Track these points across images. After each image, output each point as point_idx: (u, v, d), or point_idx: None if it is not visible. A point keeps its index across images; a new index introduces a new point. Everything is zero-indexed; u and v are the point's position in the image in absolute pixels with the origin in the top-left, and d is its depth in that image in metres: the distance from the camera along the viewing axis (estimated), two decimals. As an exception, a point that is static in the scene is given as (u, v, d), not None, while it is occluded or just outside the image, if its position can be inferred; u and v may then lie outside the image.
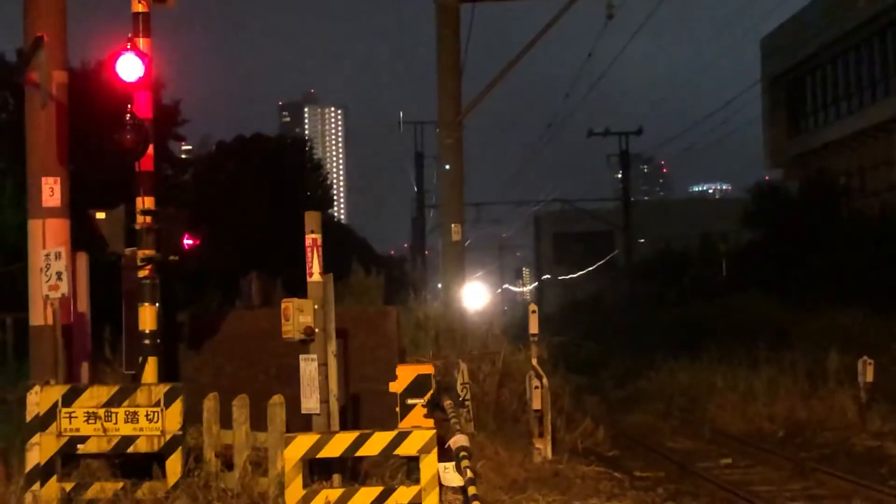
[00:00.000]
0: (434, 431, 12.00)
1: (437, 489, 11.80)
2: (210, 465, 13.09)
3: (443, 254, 29.88)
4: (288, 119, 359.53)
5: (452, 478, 12.99)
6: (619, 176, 71.10)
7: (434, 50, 28.99)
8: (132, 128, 13.77)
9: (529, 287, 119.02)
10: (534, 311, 18.32)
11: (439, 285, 37.81)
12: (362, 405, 15.49)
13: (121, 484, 12.71)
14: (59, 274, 14.15)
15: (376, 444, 11.75)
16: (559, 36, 31.66)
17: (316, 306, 12.88)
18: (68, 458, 13.04)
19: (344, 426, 13.62)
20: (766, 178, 63.12)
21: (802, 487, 17.11)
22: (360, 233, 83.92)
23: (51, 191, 15.22)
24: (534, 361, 18.17)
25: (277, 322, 13.06)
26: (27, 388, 12.97)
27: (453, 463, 12.95)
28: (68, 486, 12.63)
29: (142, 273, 13.98)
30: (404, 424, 15.12)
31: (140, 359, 13.96)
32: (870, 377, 22.62)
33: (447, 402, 16.59)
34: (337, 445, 11.72)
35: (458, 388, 18.24)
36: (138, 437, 12.61)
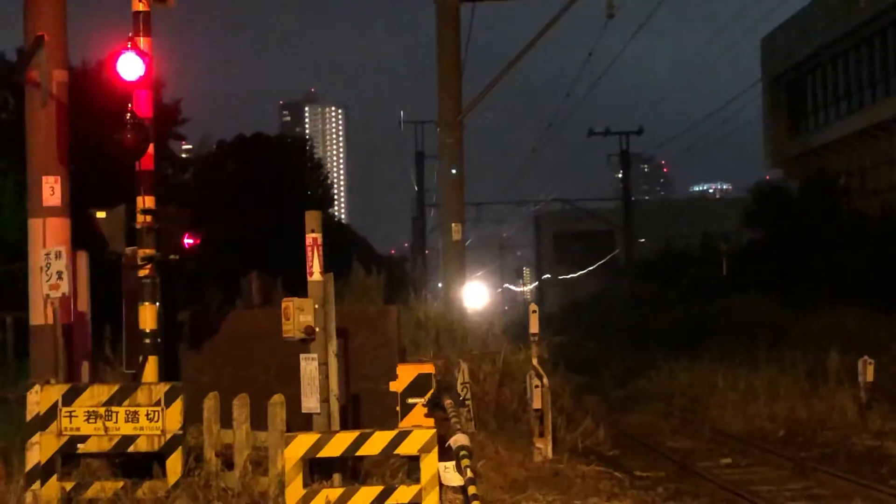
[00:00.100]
0: (434, 431, 11.99)
1: (438, 488, 11.80)
2: (210, 465, 13.09)
3: (443, 253, 29.90)
4: (288, 118, 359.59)
5: (453, 477, 12.99)
6: (620, 175, 71.14)
7: (434, 50, 29.00)
8: (132, 127, 13.77)
9: (530, 287, 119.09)
10: (534, 311, 18.31)
11: (440, 285, 37.86)
12: (363, 404, 15.50)
13: (121, 483, 12.71)
14: (59, 273, 14.15)
15: (377, 443, 11.74)
16: (560, 35, 31.71)
17: (316, 305, 12.88)
18: (68, 458, 13.04)
19: (344, 425, 13.62)
20: (767, 177, 63.17)
21: (803, 487, 17.11)
22: (360, 232, 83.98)
23: (51, 190, 15.21)
24: (534, 361, 18.17)
25: (278, 321, 13.06)
26: (27, 387, 12.96)
27: (454, 462, 12.96)
28: (68, 486, 12.63)
29: (142, 272, 13.97)
30: (405, 424, 15.14)
31: (140, 358, 13.95)
32: (870, 377, 22.62)
33: (447, 402, 16.59)
34: (337, 445, 11.71)
35: (459, 387, 18.25)
36: (139, 436, 12.60)
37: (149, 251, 13.95)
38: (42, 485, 12.47)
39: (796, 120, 60.37)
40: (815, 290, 38.51)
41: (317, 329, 12.89)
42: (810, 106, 58.80)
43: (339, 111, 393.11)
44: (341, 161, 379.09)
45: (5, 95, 34.35)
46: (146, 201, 14.08)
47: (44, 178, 15.25)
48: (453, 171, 28.74)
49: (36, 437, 12.56)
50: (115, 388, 12.83)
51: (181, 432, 12.66)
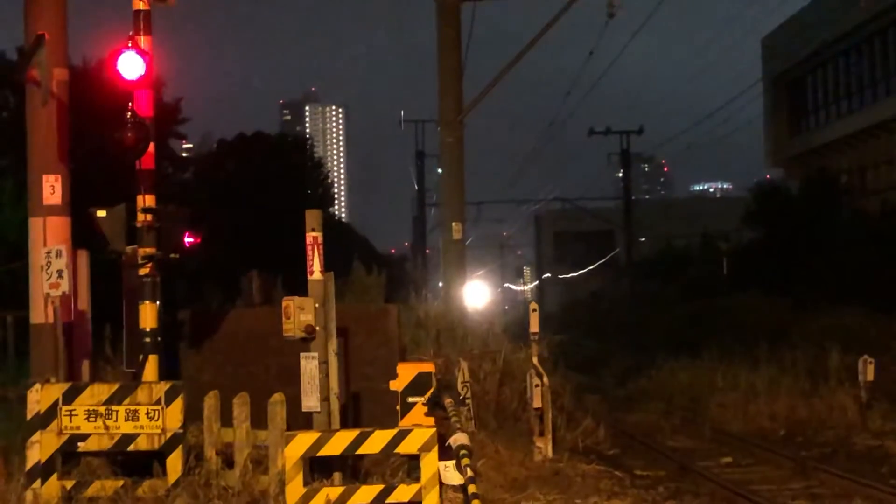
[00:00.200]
0: (434, 430, 11.99)
1: (438, 487, 11.81)
2: (211, 464, 13.10)
3: (443, 252, 29.88)
4: (289, 117, 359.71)
5: (453, 476, 13.00)
6: (620, 175, 71.10)
7: (435, 49, 28.99)
8: (133, 126, 13.77)
9: (530, 286, 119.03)
10: (534, 310, 18.31)
11: (440, 284, 37.84)
12: (363, 403, 15.50)
13: (121, 482, 12.71)
14: (59, 272, 14.15)
15: (377, 442, 11.75)
16: (560, 35, 31.65)
17: (317, 304, 12.87)
18: (69, 456, 13.05)
19: (344, 424, 13.62)
20: (767, 177, 63.22)
21: (803, 486, 17.11)
22: (360, 231, 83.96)
23: (51, 189, 15.21)
24: (534, 360, 18.17)
25: (278, 320, 13.06)
26: (28, 385, 12.97)
27: (454, 461, 12.96)
28: (69, 484, 12.63)
29: (142, 271, 13.98)
30: (405, 423, 15.13)
31: (140, 357, 13.95)
32: (870, 376, 22.61)
33: (448, 401, 16.59)
34: (337, 444, 11.72)
35: (459, 386, 18.25)
36: (139, 435, 12.61)
37: (149, 250, 13.95)
38: (42, 483, 12.48)
39: (797, 119, 60.39)
40: (815, 290, 38.51)
41: (317, 328, 12.88)
42: (811, 105, 58.82)
43: (340, 110, 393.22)
44: (342, 160, 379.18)
45: (6, 94, 34.38)
46: (146, 200, 14.09)
47: (44, 176, 15.25)
48: (447, 166, 28.76)
49: (36, 436, 12.57)
50: (116, 386, 12.83)
51: (181, 431, 12.66)
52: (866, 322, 32.11)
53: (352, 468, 13.34)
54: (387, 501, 11.77)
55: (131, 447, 12.68)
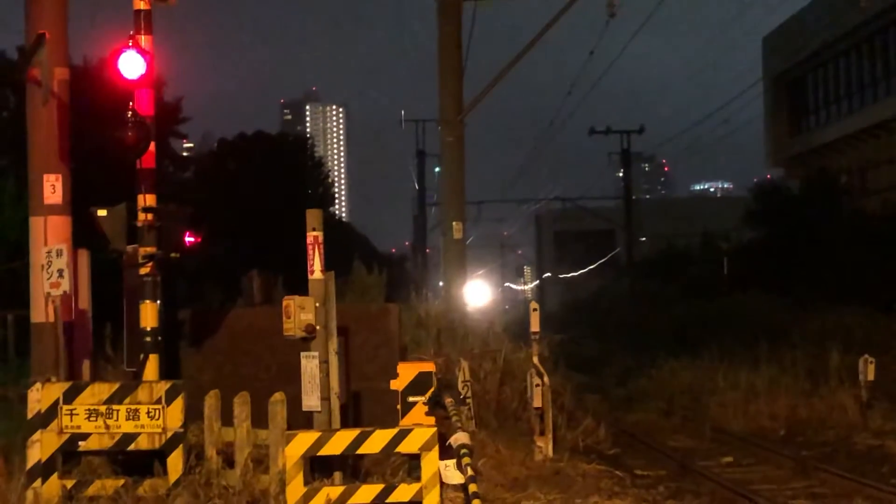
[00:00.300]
0: (435, 429, 11.99)
1: (438, 487, 11.80)
2: (211, 463, 13.09)
3: (444, 252, 29.88)
4: (289, 117, 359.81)
5: (453, 475, 13.00)
6: (621, 174, 71.11)
7: (435, 48, 28.99)
8: (134, 125, 13.77)
9: (531, 285, 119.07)
10: (535, 310, 18.31)
11: (440, 283, 37.83)
12: (363, 403, 15.49)
13: (122, 481, 12.70)
14: (60, 271, 14.15)
15: (377, 441, 11.75)
16: (561, 34, 31.66)
17: (317, 304, 12.87)
18: (69, 456, 13.04)
19: (345, 424, 13.61)
20: (768, 176, 63.19)
21: (804, 486, 17.12)
22: (361, 231, 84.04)
23: (52, 188, 15.21)
24: (535, 359, 18.17)
25: (278, 320, 13.05)
26: (28, 385, 12.96)
27: (454, 461, 12.96)
28: (69, 484, 12.63)
29: (143, 270, 13.97)
30: (405, 422, 15.12)
31: (141, 356, 13.95)
32: (871, 376, 22.61)
33: (448, 400, 16.60)
34: (338, 443, 11.72)
35: (460, 385, 18.25)
36: (139, 434, 12.60)
37: (150, 249, 13.95)
38: (43, 483, 12.47)
39: (797, 119, 60.38)
40: (815, 289, 38.51)
41: (318, 327, 12.88)
42: (811, 105, 58.81)
43: (340, 109, 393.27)
44: (342, 159, 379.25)
45: (6, 93, 34.40)
46: (147, 199, 14.08)
47: (45, 176, 15.25)
48: (447, 166, 28.78)
49: (37, 435, 12.56)
50: (116, 386, 12.83)
51: (182, 430, 12.66)
52: (867, 322, 32.13)
53: (352, 467, 13.34)
54: (387, 501, 11.77)
55: (132, 446, 12.67)
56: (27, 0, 15.46)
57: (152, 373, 13.89)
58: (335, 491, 11.81)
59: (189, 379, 14.41)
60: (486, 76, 29.13)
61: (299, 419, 13.11)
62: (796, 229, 43.94)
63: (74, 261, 14.76)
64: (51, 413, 12.56)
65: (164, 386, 12.76)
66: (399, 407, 15.50)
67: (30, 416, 12.67)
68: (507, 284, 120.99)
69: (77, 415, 12.56)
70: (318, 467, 12.60)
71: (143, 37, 14.16)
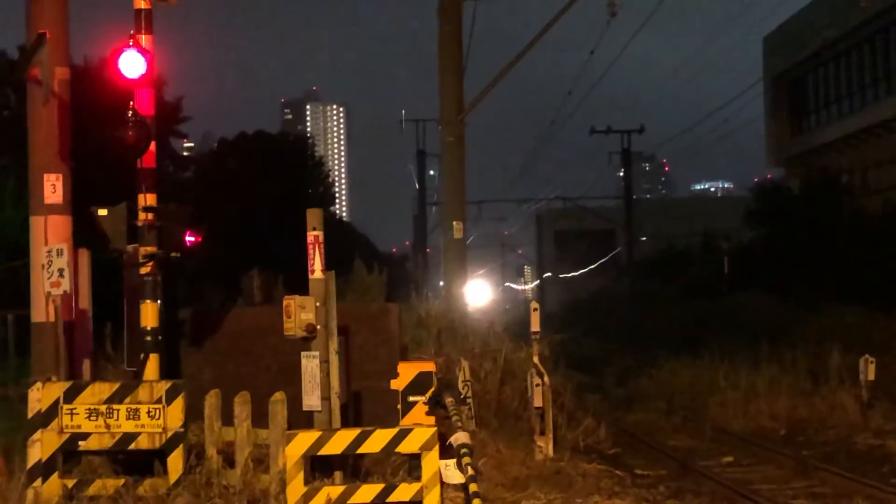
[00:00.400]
0: (435, 429, 11.99)
1: (439, 486, 11.80)
2: (212, 462, 13.09)
3: (444, 251, 29.88)
4: (290, 116, 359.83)
5: (454, 475, 12.99)
6: (621, 174, 71.09)
7: (436, 48, 28.98)
8: (134, 124, 13.77)
9: (531, 285, 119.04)
10: (535, 309, 18.31)
11: (441, 283, 37.85)
12: (364, 402, 15.48)
13: (122, 481, 12.70)
14: (60, 271, 14.15)
15: (378, 441, 11.75)
16: (562, 33, 31.67)
17: (318, 303, 12.87)
18: (70, 455, 13.04)
19: (345, 423, 13.61)
20: (769, 176, 63.16)
21: (804, 486, 17.11)
22: (361, 230, 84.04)
23: (52, 187, 15.21)
24: (535, 359, 18.17)
25: (279, 319, 13.05)
26: (29, 384, 12.96)
27: (455, 460, 12.95)
28: (70, 483, 12.63)
29: (143, 270, 13.97)
30: (406, 422, 15.11)
31: (142, 356, 13.95)
32: (871, 375, 22.61)
33: (448, 400, 16.59)
34: (338, 443, 11.72)
35: (460, 385, 18.24)
36: (140, 433, 12.60)
37: (150, 249, 13.95)
38: (43, 482, 12.47)
39: (798, 118, 60.36)
40: (816, 289, 38.49)
41: (318, 327, 12.88)
42: (812, 104, 58.78)
43: (341, 109, 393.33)
44: (342, 159, 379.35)
45: (7, 93, 34.40)
46: (148, 199, 14.08)
47: (45, 175, 15.25)
48: (448, 165, 28.80)
49: (37, 435, 12.56)
50: (117, 385, 12.83)
51: (182, 430, 12.66)
52: (867, 321, 32.12)
53: (353, 467, 13.34)
54: (388, 500, 11.77)
55: (132, 446, 12.67)
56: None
57: (153, 372, 13.89)
58: (335, 490, 11.81)
59: (189, 378, 14.41)
60: (486, 76, 29.15)
61: (300, 419, 13.10)
62: (797, 229, 43.92)
63: (75, 260, 14.76)
64: (51, 412, 12.57)
65: (165, 385, 12.76)
66: (399, 406, 15.49)
67: (30, 415, 12.67)
68: (507, 284, 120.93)
69: (77, 414, 12.56)
70: (318, 467, 12.60)
71: (143, 36, 14.16)
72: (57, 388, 12.69)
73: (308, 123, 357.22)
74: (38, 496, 12.41)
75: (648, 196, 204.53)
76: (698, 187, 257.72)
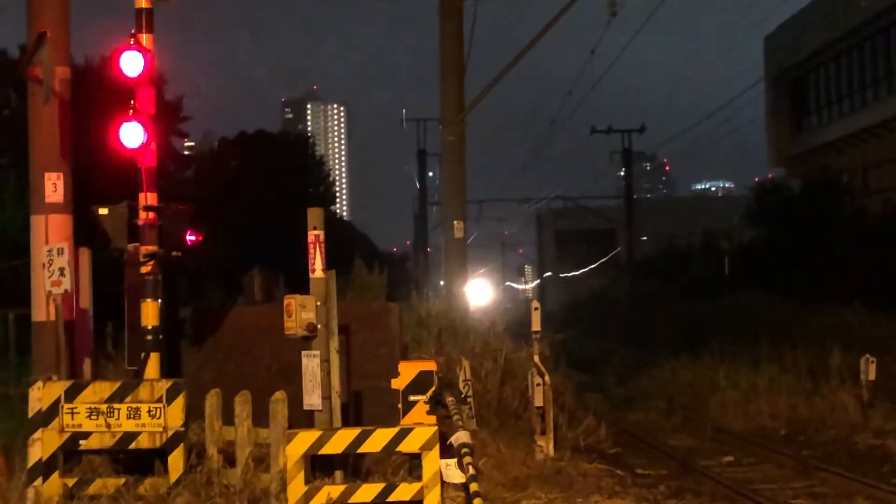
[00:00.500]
0: (436, 428, 11.99)
1: (439, 486, 11.80)
2: (212, 462, 13.10)
3: (445, 251, 29.87)
4: (290, 116, 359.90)
5: (454, 475, 12.99)
6: (622, 173, 71.10)
7: (437, 46, 28.98)
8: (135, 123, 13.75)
9: (532, 284, 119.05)
10: (536, 309, 18.31)
11: (441, 282, 37.83)
12: (364, 402, 15.49)
13: (123, 480, 12.71)
14: (61, 270, 14.15)
15: (378, 440, 11.75)
16: (563, 33, 31.67)
17: (318, 303, 12.87)
18: (70, 454, 13.05)
19: (346, 423, 13.61)
20: (769, 176, 63.15)
21: (805, 486, 17.11)
22: (362, 229, 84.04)
23: (53, 186, 15.22)
24: (536, 359, 18.17)
25: (279, 318, 13.05)
26: (29, 383, 12.97)
27: (455, 460, 12.95)
28: (70, 482, 12.64)
29: (144, 269, 13.97)
30: (406, 421, 15.11)
31: (142, 355, 13.95)
32: (872, 375, 22.59)
33: (449, 399, 16.57)
34: (339, 442, 11.72)
35: (461, 384, 18.23)
36: (140, 433, 12.60)
37: (151, 248, 13.95)
38: (44, 481, 12.48)
39: (799, 118, 60.34)
40: (817, 289, 38.47)
41: (319, 326, 12.88)
42: (813, 104, 58.77)
43: (342, 108, 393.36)
44: (343, 158, 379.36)
45: (8, 92, 34.37)
46: (148, 198, 14.08)
47: (46, 174, 15.26)
48: (448, 165, 28.82)
49: (38, 434, 12.57)
50: (117, 384, 12.83)
51: (183, 429, 12.66)
52: (868, 321, 32.09)
53: (353, 466, 13.35)
54: (388, 500, 11.77)
55: (133, 445, 12.67)
56: (29, -1, 15.47)
57: (153, 371, 13.89)
58: (336, 490, 11.81)
59: (190, 378, 14.41)
60: (487, 75, 29.14)
61: (300, 418, 13.11)
62: (798, 229, 43.91)
63: (75, 259, 14.77)
64: (52, 411, 12.57)
65: (165, 385, 12.76)
66: (400, 406, 15.49)
67: (31, 414, 12.67)
68: (508, 283, 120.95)
69: (78, 413, 12.57)
70: (319, 466, 12.60)
71: (144, 35, 14.16)
72: (58, 387, 12.69)
73: (309, 123, 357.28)
74: (39, 495, 12.42)
75: (649, 196, 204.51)
76: (699, 187, 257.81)
